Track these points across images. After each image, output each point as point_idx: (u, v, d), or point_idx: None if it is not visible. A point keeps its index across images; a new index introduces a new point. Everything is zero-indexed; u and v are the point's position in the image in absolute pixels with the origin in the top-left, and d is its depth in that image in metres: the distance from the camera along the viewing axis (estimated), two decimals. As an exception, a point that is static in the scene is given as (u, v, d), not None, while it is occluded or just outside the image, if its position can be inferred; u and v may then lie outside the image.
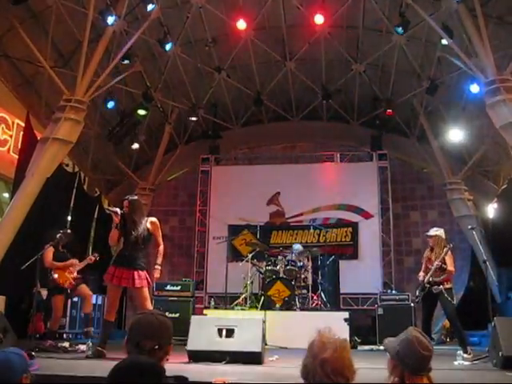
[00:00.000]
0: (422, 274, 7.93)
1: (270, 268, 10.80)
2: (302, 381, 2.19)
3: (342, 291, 12.84)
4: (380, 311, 10.28)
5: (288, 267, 10.72)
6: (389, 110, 13.36)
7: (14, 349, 2.50)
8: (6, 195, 11.62)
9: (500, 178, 13.55)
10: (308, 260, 11.37)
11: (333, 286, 12.11)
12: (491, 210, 13.64)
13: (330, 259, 12.13)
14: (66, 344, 7.33)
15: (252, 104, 14.37)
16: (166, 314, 8.12)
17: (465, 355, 6.79)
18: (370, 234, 13.96)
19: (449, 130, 12.97)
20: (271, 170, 15.02)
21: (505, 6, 10.09)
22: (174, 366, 5.48)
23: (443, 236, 7.87)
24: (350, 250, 13.92)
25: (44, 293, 10.11)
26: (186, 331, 6.52)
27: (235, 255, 13.56)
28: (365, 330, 11.68)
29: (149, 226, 6.56)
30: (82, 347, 7.19)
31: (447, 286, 7.65)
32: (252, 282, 11.20)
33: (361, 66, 13.02)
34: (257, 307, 10.33)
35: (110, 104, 12.38)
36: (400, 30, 10.83)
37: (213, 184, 14.98)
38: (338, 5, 11.50)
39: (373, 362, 5.38)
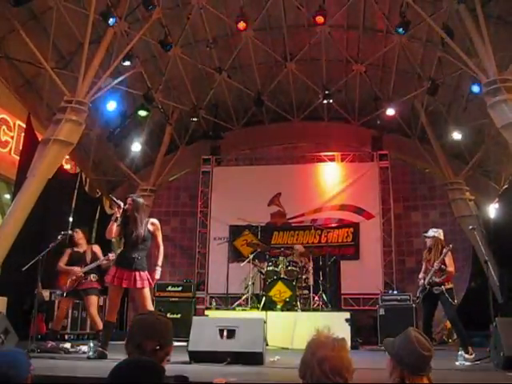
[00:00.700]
0: (422, 275, 7.93)
1: (271, 268, 10.79)
2: (301, 380, 2.20)
3: (343, 292, 12.86)
4: (381, 311, 10.27)
5: (289, 268, 10.71)
6: (390, 111, 13.34)
7: (18, 349, 2.53)
8: (8, 196, 11.64)
9: (501, 178, 13.54)
10: (309, 260, 11.37)
11: (334, 287, 12.11)
12: (492, 210, 13.64)
13: (332, 260, 12.12)
14: (68, 345, 7.34)
15: (253, 104, 14.37)
16: (168, 314, 8.17)
17: (466, 356, 6.78)
18: (371, 235, 13.96)
19: (450, 130, 12.97)
20: (272, 170, 15.01)
21: (505, 6, 10.08)
22: (175, 366, 5.50)
23: (441, 237, 7.87)
24: (351, 251, 13.91)
25: (46, 294, 10.15)
26: (188, 332, 6.53)
27: (236, 256, 13.58)
28: (366, 330, 11.69)
29: (150, 227, 6.60)
30: (84, 348, 7.20)
31: (448, 286, 7.65)
32: (253, 283, 11.20)
33: (361, 67, 13.02)
34: (258, 308, 10.32)
35: (111, 105, 12.38)
36: (401, 30, 10.84)
37: (214, 185, 14.99)
38: (339, 5, 11.50)
39: (374, 363, 5.38)
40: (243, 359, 6.01)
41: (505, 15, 10.26)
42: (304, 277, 10.98)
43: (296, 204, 14.51)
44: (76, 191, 13.06)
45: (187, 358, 6.21)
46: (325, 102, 13.76)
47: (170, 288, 11.39)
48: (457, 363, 6.45)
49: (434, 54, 11.99)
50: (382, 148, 14.69)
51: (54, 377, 4.34)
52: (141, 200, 6.78)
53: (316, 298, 11.00)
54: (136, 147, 14.14)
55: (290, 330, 9.30)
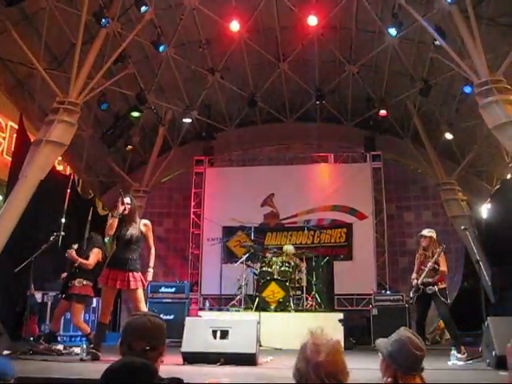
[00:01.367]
0: (414, 275, 7.98)
1: (264, 269, 10.81)
2: (295, 382, 2.19)
3: (336, 292, 12.89)
4: (374, 312, 10.31)
5: (282, 268, 10.73)
6: (382, 112, 13.39)
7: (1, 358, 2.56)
8: (0, 198, 11.59)
9: (493, 179, 13.62)
10: (302, 261, 11.39)
11: (327, 287, 12.14)
12: (484, 210, 13.71)
13: (325, 260, 12.15)
14: (60, 347, 7.32)
15: (246, 105, 14.36)
16: (161, 315, 8.13)
17: (459, 355, 6.82)
18: (364, 235, 13.98)
19: (442, 131, 13.03)
20: (265, 171, 15.01)
21: (497, 7, 10.13)
22: (168, 367, 5.49)
23: (435, 237, 7.93)
24: (345, 251, 13.94)
25: (38, 295, 10.11)
26: (181, 333, 6.53)
27: (230, 257, 13.60)
28: (359, 330, 11.73)
29: (142, 227, 6.65)
30: (76, 350, 7.18)
31: (441, 286, 7.70)
32: (246, 284, 11.20)
33: (354, 67, 13.04)
34: (251, 308, 10.33)
35: (104, 106, 12.34)
36: (393, 31, 10.87)
37: (207, 185, 14.97)
38: (331, 6, 11.52)
39: (367, 363, 5.40)
40: (236, 360, 6.02)
41: (496, 16, 10.30)
42: (297, 277, 11.00)
43: (289, 205, 14.51)
44: (68, 192, 13.01)
45: (180, 359, 6.21)
46: (317, 102, 13.79)
47: (163, 289, 11.37)
48: (449, 363, 6.49)
49: (426, 55, 12.03)
50: (374, 149, 14.72)
51: (46, 378, 4.33)
52: (134, 200, 6.81)
53: (309, 298, 11.02)
54: (129, 148, 14.11)
55: (283, 331, 9.32)
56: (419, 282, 7.78)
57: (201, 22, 12.13)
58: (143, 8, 10.56)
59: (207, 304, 12.79)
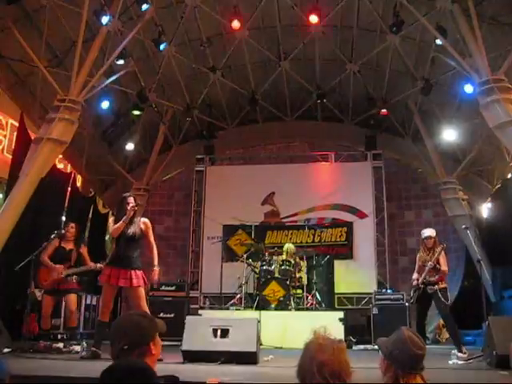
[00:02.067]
0: (415, 275, 7.97)
1: (264, 268, 10.80)
2: (297, 381, 2.19)
3: (336, 291, 12.87)
4: (375, 311, 10.30)
5: (283, 267, 10.73)
6: (383, 111, 13.39)
7: None
8: (0, 196, 11.58)
9: (494, 178, 13.59)
10: (303, 260, 11.39)
11: (328, 286, 12.15)
12: (485, 209, 13.70)
13: (325, 259, 12.16)
14: (60, 345, 7.32)
15: (247, 104, 14.33)
16: (161, 314, 8.15)
17: (459, 354, 6.83)
18: (364, 234, 13.97)
19: (443, 130, 13.01)
20: (266, 169, 15.00)
21: (499, 6, 10.12)
22: (168, 366, 5.49)
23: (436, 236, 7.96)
24: (345, 250, 13.91)
25: (38, 293, 10.09)
26: (181, 331, 6.53)
27: (230, 255, 13.59)
28: (360, 329, 11.70)
29: (142, 226, 6.68)
30: (76, 348, 7.19)
31: (442, 285, 7.70)
32: (247, 282, 11.21)
33: (355, 66, 13.01)
34: (252, 307, 10.34)
35: (105, 104, 12.34)
36: (394, 29, 10.86)
37: (207, 184, 14.96)
38: (333, 5, 11.50)
39: (367, 362, 5.39)
40: (237, 359, 6.02)
41: (498, 15, 10.29)
42: (298, 276, 11.00)
43: (290, 203, 14.50)
44: (69, 190, 13.01)
45: (181, 358, 6.21)
46: (318, 101, 13.77)
47: (163, 287, 11.37)
48: (450, 362, 6.49)
49: (427, 54, 12.01)
50: (375, 147, 14.70)
51: (46, 377, 4.32)
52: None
53: (310, 297, 11.02)
54: (129, 146, 14.11)
55: (283, 330, 9.32)
56: (420, 281, 7.78)
57: (202, 20, 12.12)
58: (144, 6, 10.56)
59: (207, 302, 12.79)
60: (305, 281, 11.06)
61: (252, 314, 9.43)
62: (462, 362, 6.51)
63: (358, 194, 14.32)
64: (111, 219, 6.94)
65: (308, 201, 14.47)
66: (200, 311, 10.88)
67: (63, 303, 8.87)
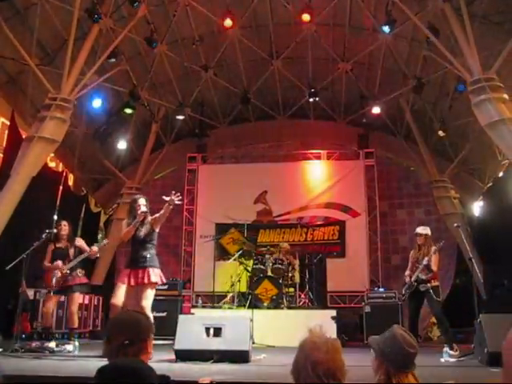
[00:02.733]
0: (408, 273, 7.99)
1: (257, 266, 10.80)
2: (289, 379, 2.19)
3: (329, 289, 12.89)
4: (367, 309, 10.33)
5: (275, 266, 10.73)
6: (375, 110, 13.40)
7: None
8: (-9, 194, 11.52)
9: (485, 176, 13.66)
10: (295, 258, 11.39)
11: (320, 285, 12.14)
12: (477, 207, 13.76)
13: (318, 257, 12.16)
14: (53, 344, 7.28)
15: (239, 102, 14.35)
16: (153, 313, 8.17)
17: (451, 352, 6.85)
18: (357, 233, 14.00)
19: (435, 129, 13.06)
20: (258, 168, 15.00)
21: (490, 5, 10.17)
22: (161, 364, 5.48)
23: (430, 234, 7.96)
24: (337, 249, 13.95)
25: (30, 293, 10.06)
26: (174, 330, 6.52)
27: (222, 254, 13.58)
28: (352, 327, 11.73)
29: (152, 225, 6.87)
30: (69, 347, 7.17)
31: (434, 283, 7.72)
32: (239, 281, 11.19)
33: (347, 65, 13.04)
34: (244, 306, 10.33)
35: (97, 103, 12.29)
36: (386, 28, 10.87)
37: (200, 183, 14.95)
38: (325, 3, 11.52)
39: (359, 360, 5.40)
40: (229, 357, 6.02)
41: (489, 14, 10.34)
42: (290, 275, 10.99)
43: (282, 202, 14.52)
44: (61, 189, 12.95)
45: (173, 357, 6.20)
46: (311, 100, 13.79)
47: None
48: (442, 360, 6.52)
49: (419, 53, 12.05)
50: (367, 146, 14.76)
51: (39, 377, 4.30)
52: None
53: (302, 295, 11.04)
54: (122, 145, 14.07)
55: (276, 328, 9.32)
56: (413, 279, 7.80)
57: (194, 18, 12.12)
58: (136, 4, 10.53)
59: (200, 301, 12.77)
60: (297, 279, 11.07)
61: (245, 312, 9.43)
62: (453, 360, 6.54)
63: (351, 193, 14.34)
64: (124, 221, 6.98)
65: (300, 199, 14.49)
66: (192, 310, 10.87)
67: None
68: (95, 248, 7.72)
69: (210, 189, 14.74)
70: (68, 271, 7.71)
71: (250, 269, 11.04)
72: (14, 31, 10.21)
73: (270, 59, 13.35)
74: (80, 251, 7.88)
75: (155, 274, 6.50)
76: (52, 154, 11.94)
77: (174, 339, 6.43)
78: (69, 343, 7.35)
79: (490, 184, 13.06)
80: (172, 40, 12.66)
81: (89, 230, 14.23)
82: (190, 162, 15.27)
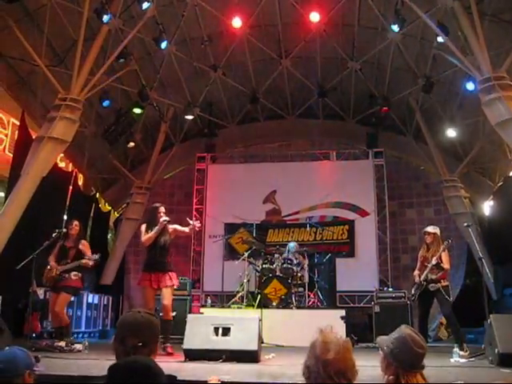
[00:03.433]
0: (417, 272, 7.96)
1: (266, 266, 10.79)
2: (298, 379, 2.19)
3: (338, 289, 12.85)
4: (376, 309, 10.27)
5: (284, 265, 10.71)
6: (385, 109, 13.36)
7: (19, 348, 2.63)
8: (2, 194, 11.59)
9: (496, 176, 13.58)
10: (304, 258, 11.38)
11: (329, 284, 12.13)
12: (487, 207, 13.68)
13: (327, 257, 12.16)
14: (62, 343, 7.32)
15: (248, 102, 14.35)
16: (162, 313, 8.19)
17: (461, 352, 6.80)
18: (366, 232, 13.96)
19: (445, 128, 12.99)
20: (267, 168, 15.01)
21: (500, 3, 10.09)
22: (170, 364, 5.49)
23: (439, 234, 7.93)
24: (347, 248, 13.92)
25: (40, 292, 10.12)
26: (183, 330, 6.53)
27: (231, 253, 13.60)
28: (361, 327, 11.69)
29: (171, 234, 7.46)
30: (78, 346, 7.20)
31: (444, 283, 7.69)
32: (248, 281, 11.19)
33: (356, 64, 13.00)
34: (253, 305, 10.32)
35: (106, 103, 12.34)
36: (395, 27, 10.85)
37: (209, 182, 14.97)
38: (334, 2, 11.49)
39: (368, 360, 5.39)
40: (238, 357, 6.01)
41: (499, 13, 10.26)
42: (299, 274, 10.98)
43: (291, 201, 14.50)
44: (70, 189, 13.02)
45: (182, 356, 6.21)
46: (320, 99, 13.77)
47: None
48: (452, 360, 6.47)
49: (428, 52, 11.99)
50: (377, 145, 14.70)
51: (49, 375, 4.32)
52: None
53: (311, 295, 11.02)
54: (131, 145, 14.12)
55: (285, 328, 9.31)
56: (422, 278, 7.77)
57: (203, 18, 12.13)
58: (145, 4, 10.55)
59: (209, 301, 12.79)
60: (306, 279, 11.05)
61: (253, 312, 9.43)
62: (463, 360, 6.50)
63: (360, 192, 14.31)
64: (143, 226, 7.29)
65: (309, 199, 14.47)
66: (201, 309, 10.89)
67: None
68: (90, 262, 7.81)
69: (219, 188, 14.75)
70: (58, 273, 7.75)
71: (259, 268, 11.05)
72: (23, 32, 10.27)
73: (278, 59, 13.34)
74: (81, 255, 7.89)
75: (174, 278, 7.25)
76: (62, 154, 12.01)
77: (182, 339, 6.44)
78: (79, 342, 7.39)
79: (501, 183, 12.98)
80: (181, 40, 12.68)
81: (98, 229, 14.31)
82: (199, 161, 15.28)
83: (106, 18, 10.34)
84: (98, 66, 10.88)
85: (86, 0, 10.01)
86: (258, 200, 14.57)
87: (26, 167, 9.70)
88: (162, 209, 7.55)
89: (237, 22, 11.71)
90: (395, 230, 14.66)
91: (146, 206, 14.57)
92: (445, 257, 7.75)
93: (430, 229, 8.00)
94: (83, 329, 11.50)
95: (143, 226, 7.43)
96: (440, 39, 10.52)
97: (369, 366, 4.13)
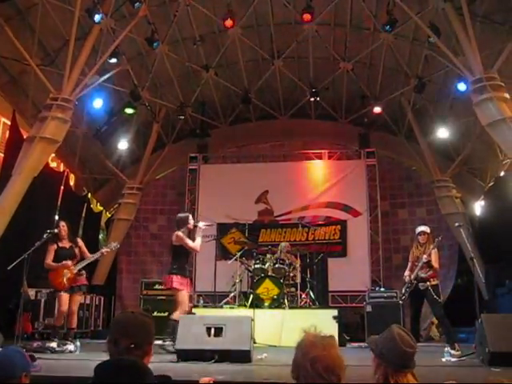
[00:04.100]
0: (407, 272, 8.01)
1: (258, 266, 10.79)
2: (290, 379, 2.20)
3: (330, 289, 12.89)
4: (368, 308, 10.31)
5: (277, 265, 10.72)
6: (377, 109, 13.40)
7: (15, 347, 2.58)
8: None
9: (487, 176, 13.64)
10: (296, 258, 11.39)
11: (321, 284, 12.15)
12: (478, 207, 13.74)
13: (319, 257, 12.15)
14: (54, 344, 7.29)
15: (240, 102, 14.34)
16: (155, 312, 8.22)
17: (452, 351, 6.85)
18: (358, 232, 13.98)
19: (436, 128, 13.05)
20: (259, 168, 15.00)
21: (491, 4, 10.15)
22: (162, 364, 5.48)
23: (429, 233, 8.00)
24: (339, 248, 13.94)
25: (31, 293, 10.07)
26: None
27: (224, 253, 13.58)
28: (353, 327, 11.74)
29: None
30: (70, 347, 7.17)
31: (433, 282, 7.73)
32: (241, 281, 11.20)
33: (348, 64, 13.02)
34: (246, 305, 10.32)
35: (98, 103, 12.29)
36: (387, 28, 10.87)
37: (201, 182, 14.94)
38: (326, 3, 11.51)
39: (360, 360, 5.41)
40: (231, 357, 6.02)
41: (490, 14, 10.33)
42: (291, 274, 10.99)
43: (283, 202, 14.50)
44: (62, 189, 12.97)
45: (174, 357, 6.20)
46: (312, 99, 13.78)
47: (157, 286, 11.35)
48: (443, 359, 6.50)
49: (420, 52, 12.05)
50: (369, 145, 14.74)
51: (40, 376, 4.30)
52: None
53: (303, 295, 11.02)
54: (123, 145, 14.08)
55: (277, 328, 9.31)
56: (412, 276, 7.81)
57: (195, 18, 12.11)
58: (137, 4, 10.52)
59: (201, 301, 12.77)
60: (298, 279, 11.06)
61: (246, 312, 9.42)
62: (454, 360, 6.53)
63: (352, 192, 14.33)
64: (181, 233, 7.45)
65: (302, 199, 14.48)
66: (194, 309, 10.87)
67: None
68: (109, 249, 7.95)
69: (211, 189, 14.72)
70: (78, 271, 7.78)
71: (251, 268, 11.04)
72: (15, 31, 10.24)
73: (270, 59, 13.34)
74: (80, 252, 7.93)
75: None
76: (53, 154, 11.95)
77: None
78: (70, 343, 7.36)
79: (492, 183, 13.04)
80: (173, 40, 12.66)
81: (90, 229, 14.25)
82: (191, 161, 15.25)
83: (97, 17, 10.30)
84: (90, 65, 10.84)
85: (77, -1, 9.99)
86: (251, 200, 14.56)
87: (17, 167, 9.66)
88: (191, 216, 8.13)
89: (229, 22, 11.68)
90: (387, 230, 14.69)
91: (138, 206, 14.57)
92: (434, 255, 7.80)
93: (425, 228, 8.05)
94: (76, 328, 11.43)
95: (181, 233, 7.67)
96: (432, 40, 10.57)
97: (360, 366, 4.15)
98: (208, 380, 3.12)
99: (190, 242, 7.66)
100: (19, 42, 10.17)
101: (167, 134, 15.31)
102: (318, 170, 15.07)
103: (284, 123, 15.50)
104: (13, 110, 11.11)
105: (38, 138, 9.81)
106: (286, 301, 10.31)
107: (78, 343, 7.31)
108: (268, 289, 10.25)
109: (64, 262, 7.77)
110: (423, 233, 7.99)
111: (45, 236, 7.80)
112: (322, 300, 11.82)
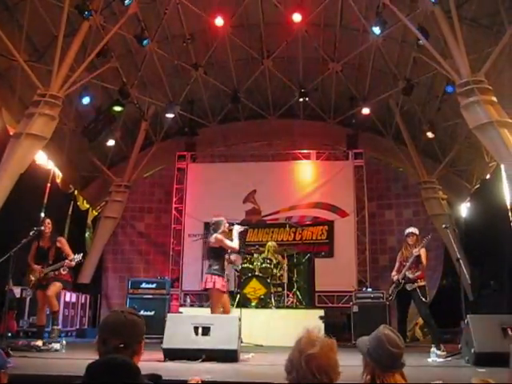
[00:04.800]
0: (394, 273, 8.06)
1: (245, 266, 10.80)
2: (277, 379, 2.20)
3: (317, 289, 12.91)
4: (355, 309, 10.34)
5: (264, 265, 10.74)
6: (365, 110, 13.47)
7: None
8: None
9: (473, 178, 13.74)
10: (283, 258, 11.40)
11: (308, 284, 12.18)
12: (464, 209, 13.85)
13: (306, 257, 12.19)
14: (39, 343, 7.24)
15: (229, 101, 14.34)
16: (141, 311, 8.20)
17: (438, 352, 6.89)
18: (345, 233, 14.03)
19: (424, 130, 13.13)
20: (247, 167, 15.00)
21: (479, 8, 10.22)
22: (149, 364, 5.46)
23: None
24: (326, 248, 13.97)
25: (17, 291, 9.97)
26: (162, 329, 6.51)
27: (211, 253, 13.53)
28: (340, 327, 11.77)
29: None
30: (56, 346, 7.12)
31: (421, 283, 7.79)
32: (228, 280, 11.17)
33: (337, 65, 13.08)
34: (233, 305, 10.30)
35: (86, 100, 12.21)
36: (377, 29, 10.92)
37: (189, 181, 14.90)
38: (316, 3, 11.54)
39: (346, 360, 5.43)
40: (218, 357, 6.02)
41: (479, 17, 10.41)
42: (278, 274, 11.01)
43: (271, 201, 14.51)
44: (48, 186, 12.86)
45: (162, 356, 6.19)
46: (301, 100, 13.80)
47: (143, 285, 11.29)
48: (429, 360, 6.55)
49: (409, 55, 12.12)
50: (357, 146, 14.79)
51: (25, 375, 4.27)
52: None
53: (290, 295, 11.05)
54: (111, 143, 14.01)
55: (264, 328, 9.33)
56: (400, 276, 7.86)
57: (185, 16, 12.09)
58: (127, 1, 10.48)
59: (188, 300, 12.75)
60: (285, 279, 11.08)
61: (233, 311, 9.42)
62: (440, 360, 6.58)
63: (339, 193, 14.37)
64: (220, 236, 7.46)
65: (289, 199, 14.51)
66: (181, 309, 10.85)
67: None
68: (72, 263, 7.77)
69: (199, 187, 14.70)
70: (43, 275, 7.71)
71: (238, 268, 11.04)
72: (2, 26, 10.10)
73: (260, 58, 13.35)
74: (60, 252, 7.84)
75: None
76: (40, 151, 11.84)
77: (162, 338, 6.41)
78: (56, 342, 7.31)
79: (478, 186, 13.14)
80: (162, 38, 12.62)
81: (76, 227, 14.16)
82: (179, 160, 15.21)
83: (87, 13, 10.25)
84: (79, 62, 10.77)
85: (66, -5, 9.91)
86: (238, 199, 14.55)
87: (3, 164, 9.57)
88: (225, 220, 7.99)
89: (219, 21, 11.69)
90: (374, 231, 14.77)
91: (126, 204, 14.50)
92: (423, 253, 7.87)
93: (414, 230, 8.12)
94: (60, 327, 11.35)
95: (220, 236, 7.63)
96: (421, 42, 10.63)
97: (347, 366, 4.16)
98: (197, 380, 3.11)
99: (229, 243, 7.68)
100: (6, 36, 10.02)
101: (155, 132, 15.25)
102: (306, 171, 15.10)
103: (273, 123, 15.51)
104: (-1, 106, 11.01)
105: (25, 134, 9.72)
106: (272, 300, 10.34)
107: (64, 342, 7.26)
108: (255, 288, 10.27)
109: (35, 266, 7.77)
110: (412, 234, 8.05)
111: (31, 234, 7.74)
112: (308, 300, 11.85)
